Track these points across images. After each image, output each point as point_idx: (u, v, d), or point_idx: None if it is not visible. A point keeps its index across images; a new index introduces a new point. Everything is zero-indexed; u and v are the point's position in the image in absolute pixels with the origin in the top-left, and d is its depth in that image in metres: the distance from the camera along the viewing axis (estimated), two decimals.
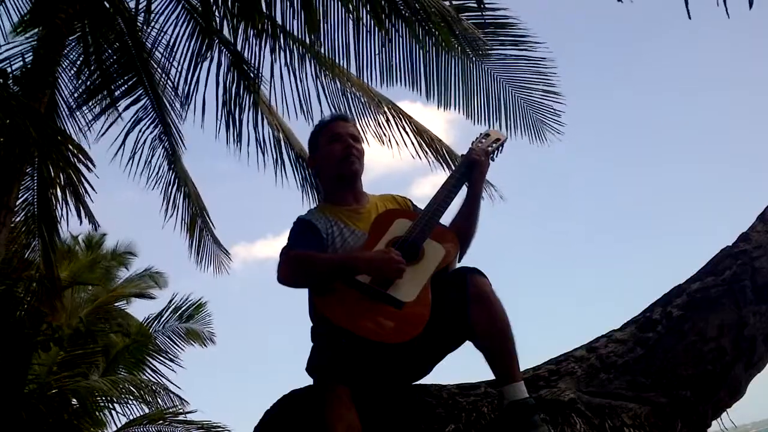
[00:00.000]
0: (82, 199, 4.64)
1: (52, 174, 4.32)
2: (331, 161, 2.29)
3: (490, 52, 5.51)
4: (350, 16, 4.91)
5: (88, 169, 4.19)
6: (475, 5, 5.11)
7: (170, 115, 6.44)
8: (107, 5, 5.74)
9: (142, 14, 5.76)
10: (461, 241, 2.20)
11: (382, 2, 4.52)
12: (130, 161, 6.29)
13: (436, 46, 5.04)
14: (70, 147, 4.15)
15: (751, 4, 2.07)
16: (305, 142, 6.42)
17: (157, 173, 6.52)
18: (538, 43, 5.42)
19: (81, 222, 5.02)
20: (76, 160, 4.13)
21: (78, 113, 6.08)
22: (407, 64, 5.38)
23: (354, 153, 2.28)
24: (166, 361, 8.92)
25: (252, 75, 5.74)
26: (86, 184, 4.36)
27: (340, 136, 2.30)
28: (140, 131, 6.32)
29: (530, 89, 5.66)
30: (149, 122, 6.36)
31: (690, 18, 2.09)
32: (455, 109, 5.66)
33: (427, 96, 5.53)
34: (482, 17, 5.17)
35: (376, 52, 5.25)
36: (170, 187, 6.61)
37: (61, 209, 5.40)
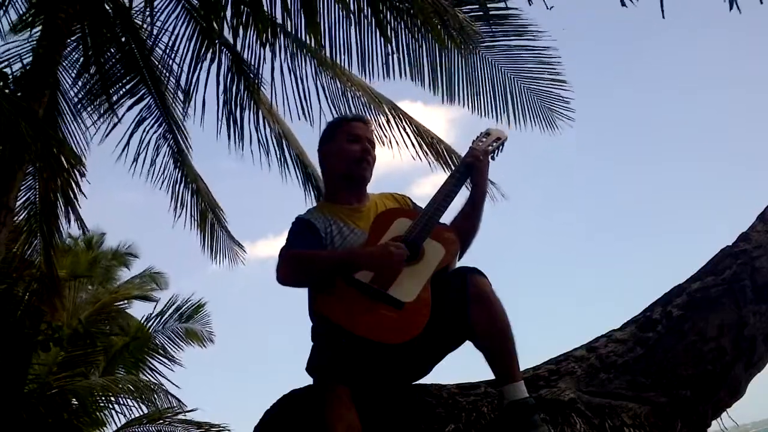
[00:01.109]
0: (72, 202, 4.65)
1: (46, 175, 4.33)
2: (344, 160, 2.27)
3: (494, 43, 5.53)
4: (351, 15, 4.89)
5: (80, 173, 4.20)
6: None
7: (174, 113, 6.45)
8: (107, 5, 5.74)
9: (142, 13, 5.76)
10: (462, 241, 2.20)
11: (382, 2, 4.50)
12: (135, 162, 6.31)
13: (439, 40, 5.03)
14: (61, 150, 4.15)
15: (731, 6, 2.08)
16: (305, 142, 6.43)
17: (163, 172, 6.55)
18: (541, 32, 5.45)
19: (69, 225, 5.02)
20: (66, 163, 4.14)
21: (82, 114, 6.10)
22: (410, 58, 5.38)
23: (368, 159, 2.27)
24: (166, 361, 8.92)
25: (252, 75, 5.75)
26: (76, 188, 4.36)
27: (359, 138, 2.28)
28: (144, 130, 6.33)
29: (536, 78, 5.68)
30: (153, 121, 6.37)
31: (663, 17, 2.10)
32: (460, 102, 5.68)
33: (432, 89, 5.54)
34: (485, 8, 5.16)
35: (378, 47, 5.24)
36: (177, 185, 6.62)
37: (63, 208, 5.41)
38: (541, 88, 5.69)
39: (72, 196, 4.45)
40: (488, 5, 5.18)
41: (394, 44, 5.14)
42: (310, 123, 5.63)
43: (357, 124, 2.35)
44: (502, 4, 5.32)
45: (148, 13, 5.59)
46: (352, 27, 5.12)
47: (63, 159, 4.21)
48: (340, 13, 5.08)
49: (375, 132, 2.50)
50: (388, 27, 4.72)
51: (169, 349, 9.13)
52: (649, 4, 2.15)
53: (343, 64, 5.48)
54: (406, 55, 5.34)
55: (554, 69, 5.57)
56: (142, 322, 9.32)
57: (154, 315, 9.32)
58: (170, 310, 9.34)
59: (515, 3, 5.35)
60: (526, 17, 5.37)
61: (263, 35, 4.55)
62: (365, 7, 4.76)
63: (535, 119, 5.74)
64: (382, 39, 5.11)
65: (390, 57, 5.22)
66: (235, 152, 6.10)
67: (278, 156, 6.31)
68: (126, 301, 10.42)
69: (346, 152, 2.27)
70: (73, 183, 4.31)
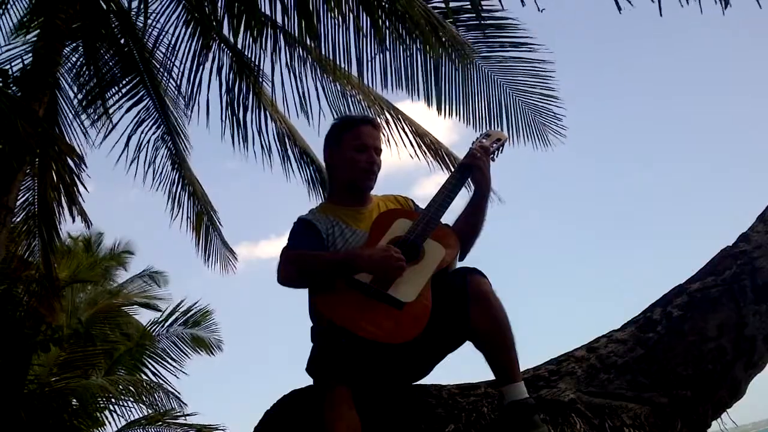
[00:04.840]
0: (74, 198, 4.65)
1: (47, 173, 4.34)
2: (350, 169, 2.24)
3: (489, 54, 5.49)
4: (349, 23, 4.88)
5: (80, 169, 4.21)
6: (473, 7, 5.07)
7: (173, 115, 6.45)
8: (106, 5, 5.74)
9: (142, 15, 5.76)
10: (463, 241, 2.20)
11: (379, 10, 4.47)
12: (134, 162, 6.31)
13: (433, 51, 5.00)
14: (63, 147, 4.16)
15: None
16: (308, 140, 6.39)
17: (161, 173, 6.55)
18: (538, 45, 5.36)
19: (74, 220, 5.01)
20: (68, 159, 4.15)
21: (82, 115, 6.10)
22: (406, 69, 5.34)
23: (375, 170, 2.26)
24: (168, 365, 8.84)
25: (255, 72, 5.75)
26: (79, 184, 4.38)
27: (367, 147, 2.24)
28: (143, 132, 6.32)
29: (531, 92, 5.62)
30: (152, 123, 6.36)
31: (661, 15, 2.10)
32: (455, 115, 5.58)
33: (427, 101, 5.49)
34: (480, 18, 5.13)
35: (375, 56, 5.22)
36: (174, 186, 6.63)
37: (59, 209, 5.40)
38: (534, 102, 5.63)
39: (75, 191, 4.46)
40: (485, 14, 5.13)
41: (391, 52, 5.11)
42: (309, 123, 5.65)
43: (365, 130, 2.29)
44: (499, 13, 5.26)
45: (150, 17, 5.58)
46: (351, 35, 5.09)
47: (65, 156, 4.22)
48: (338, 19, 5.05)
49: (382, 133, 2.49)
50: (382, 28, 4.68)
51: (173, 354, 9.01)
52: (647, 5, 2.16)
53: (342, 67, 5.48)
54: (402, 68, 5.30)
55: (548, 84, 5.51)
56: (146, 327, 9.21)
57: (158, 319, 9.25)
58: (175, 315, 9.22)
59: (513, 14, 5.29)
60: (523, 26, 5.28)
61: (258, 37, 4.55)
62: (361, 15, 4.72)
63: (529, 134, 5.68)
64: (378, 50, 5.07)
65: (387, 61, 5.19)
66: (239, 152, 6.10)
67: (281, 154, 6.31)
68: (129, 307, 10.33)
69: (352, 162, 2.23)
70: (75, 178, 4.32)
